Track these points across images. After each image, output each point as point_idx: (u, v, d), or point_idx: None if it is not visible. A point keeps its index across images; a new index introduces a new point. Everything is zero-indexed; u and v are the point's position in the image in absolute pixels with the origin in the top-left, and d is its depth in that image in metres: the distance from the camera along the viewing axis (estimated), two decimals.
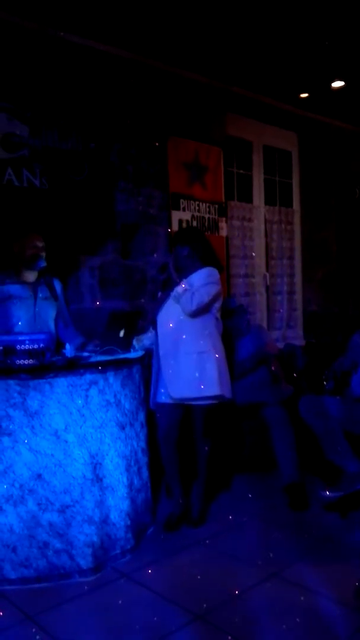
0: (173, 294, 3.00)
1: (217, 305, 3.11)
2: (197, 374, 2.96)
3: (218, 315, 3.14)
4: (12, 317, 3.15)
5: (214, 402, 3.05)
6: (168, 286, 3.05)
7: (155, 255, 4.44)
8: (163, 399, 3.08)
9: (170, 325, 3.03)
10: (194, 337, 3.00)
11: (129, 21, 3.78)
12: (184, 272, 3.08)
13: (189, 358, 2.97)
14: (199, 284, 3.00)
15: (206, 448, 3.11)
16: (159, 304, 3.14)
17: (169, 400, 3.05)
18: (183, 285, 2.97)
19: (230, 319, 3.86)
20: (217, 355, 3.02)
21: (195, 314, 2.98)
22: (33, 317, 3.18)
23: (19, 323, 3.14)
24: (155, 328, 3.12)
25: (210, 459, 3.15)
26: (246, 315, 4.03)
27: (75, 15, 3.69)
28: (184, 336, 2.99)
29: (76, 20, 3.75)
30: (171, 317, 3.04)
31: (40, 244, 3.22)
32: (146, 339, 3.22)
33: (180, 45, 4.18)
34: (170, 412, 3.08)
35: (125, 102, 4.26)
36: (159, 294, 3.19)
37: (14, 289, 3.19)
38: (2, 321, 3.15)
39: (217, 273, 3.10)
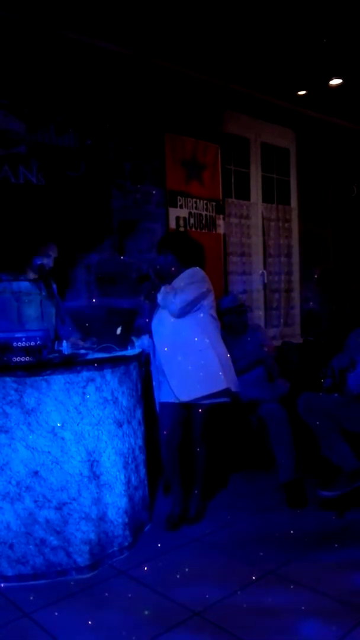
0: (158, 300, 3.00)
1: (207, 302, 3.07)
2: (200, 373, 2.95)
3: (213, 312, 3.12)
4: (23, 314, 3.15)
5: (220, 400, 3.04)
6: (153, 296, 3.03)
7: (152, 252, 4.42)
8: (167, 398, 3.07)
9: (165, 331, 3.02)
10: (190, 338, 2.99)
11: (127, 17, 3.77)
12: (170, 278, 3.07)
13: (189, 359, 2.96)
14: (183, 284, 2.99)
15: (204, 449, 3.10)
16: (151, 312, 3.13)
17: (173, 400, 3.03)
18: (163, 289, 2.96)
19: (229, 317, 3.85)
20: (216, 351, 3.01)
21: (182, 313, 2.96)
22: (41, 315, 3.19)
23: (29, 320, 3.15)
24: (151, 336, 3.12)
25: (208, 459, 3.14)
26: (245, 314, 4.02)
27: (74, 12, 3.67)
28: (180, 339, 2.98)
29: (74, 17, 3.73)
30: (165, 323, 3.04)
31: (54, 255, 3.28)
32: (145, 339, 3.22)
33: (178, 42, 4.17)
34: (174, 411, 3.07)
35: (122, 98, 4.24)
36: (147, 302, 3.16)
37: (24, 286, 3.21)
38: (9, 318, 3.14)
39: (200, 272, 3.07)
